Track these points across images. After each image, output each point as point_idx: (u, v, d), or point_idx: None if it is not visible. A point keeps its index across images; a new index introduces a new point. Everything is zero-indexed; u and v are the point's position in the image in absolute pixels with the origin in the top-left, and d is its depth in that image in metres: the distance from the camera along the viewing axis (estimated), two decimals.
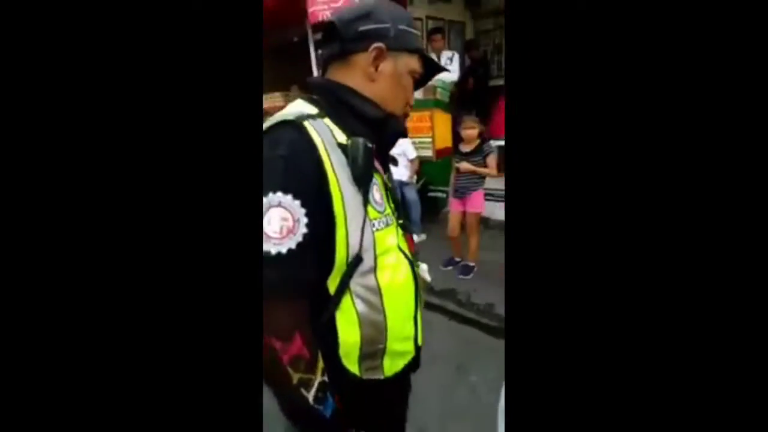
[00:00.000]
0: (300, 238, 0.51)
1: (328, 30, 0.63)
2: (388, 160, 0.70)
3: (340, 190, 0.54)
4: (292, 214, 0.51)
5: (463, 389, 1.84)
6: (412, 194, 3.22)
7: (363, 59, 0.61)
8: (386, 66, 0.62)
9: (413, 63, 0.65)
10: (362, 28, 0.60)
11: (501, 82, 4.14)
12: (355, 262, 0.56)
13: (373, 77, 0.61)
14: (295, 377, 0.53)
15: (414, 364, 0.69)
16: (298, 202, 0.51)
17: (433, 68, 0.69)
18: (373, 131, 0.61)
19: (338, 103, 0.61)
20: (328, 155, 0.54)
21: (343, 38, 0.61)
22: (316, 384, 0.55)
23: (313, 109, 0.60)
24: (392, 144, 0.69)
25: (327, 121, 0.58)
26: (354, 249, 0.55)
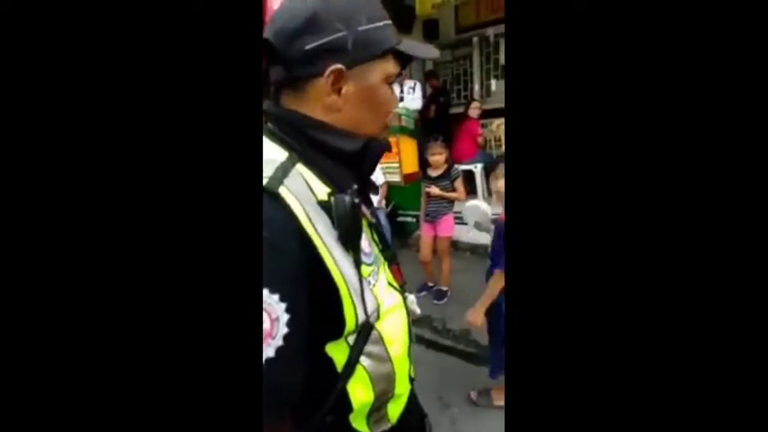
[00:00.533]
0: (280, 342, 0.42)
1: (266, 49, 0.49)
2: (370, 189, 0.60)
3: (333, 258, 0.46)
4: (269, 314, 0.42)
5: (445, 421, 1.78)
6: (382, 220, 3.21)
7: (319, 87, 0.49)
8: (351, 87, 0.49)
9: (388, 67, 0.51)
10: (309, 45, 0.47)
11: (460, 109, 4.31)
12: (366, 330, 0.50)
13: (336, 106, 0.50)
14: None
15: (412, 400, 0.63)
16: (276, 297, 0.42)
17: (408, 58, 0.55)
18: (354, 165, 0.53)
19: (307, 142, 0.50)
20: (311, 222, 0.45)
21: (286, 61, 0.49)
22: None
23: (281, 153, 0.49)
24: (374, 167, 0.59)
25: (300, 168, 0.48)
26: (360, 316, 0.48)
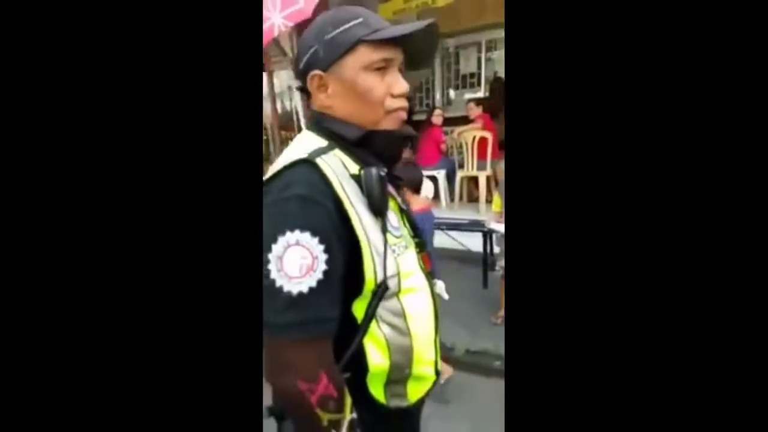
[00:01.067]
0: (320, 275, 0.51)
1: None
2: (397, 179, 0.67)
3: (360, 221, 0.54)
4: (311, 252, 0.51)
5: None
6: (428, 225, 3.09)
7: (313, 92, 0.61)
8: (333, 85, 0.58)
9: (363, 56, 0.56)
10: (301, 65, 0.61)
11: (422, 117, 4.41)
12: (382, 289, 0.57)
13: (328, 103, 0.60)
14: (325, 418, 0.52)
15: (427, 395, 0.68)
16: (316, 240, 0.51)
17: (406, 40, 0.58)
18: (370, 150, 0.60)
19: (329, 132, 0.61)
20: (344, 189, 0.54)
21: (301, 80, 0.62)
22: (346, 423, 0.54)
23: (322, 141, 0.60)
24: (396, 157, 0.65)
25: (337, 152, 0.59)
26: (380, 276, 0.56)
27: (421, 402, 0.66)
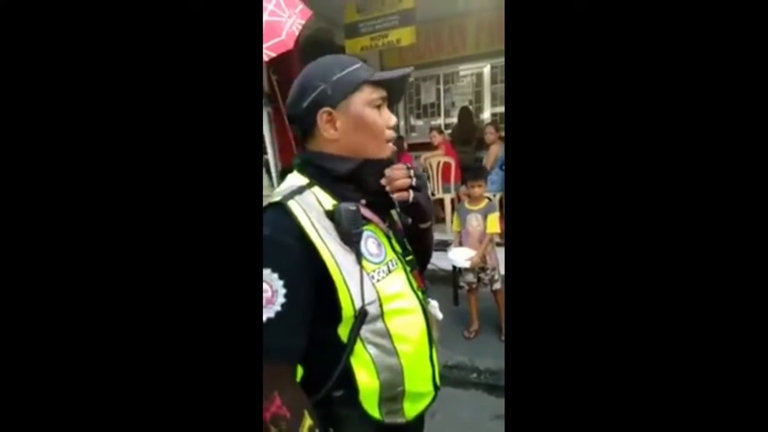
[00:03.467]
0: (278, 308, 0.57)
1: (288, 117, 0.71)
2: (384, 205, 0.71)
3: (331, 255, 0.60)
4: (270, 286, 0.57)
5: None
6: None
7: (320, 128, 0.65)
8: (341, 120, 0.65)
9: (366, 95, 0.65)
10: (305, 103, 0.65)
11: None
12: (361, 315, 0.61)
13: (335, 137, 0.65)
14: None
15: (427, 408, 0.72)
16: (275, 275, 0.57)
17: (391, 82, 0.68)
18: (355, 183, 0.66)
19: (317, 171, 0.67)
20: (314, 226, 0.60)
21: (297, 119, 0.68)
22: None
23: (304, 180, 0.67)
24: (377, 183, 0.70)
25: (316, 189, 0.65)
26: (357, 304, 0.60)
27: (420, 418, 0.70)
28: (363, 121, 0.65)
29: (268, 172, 3.56)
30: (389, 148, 0.69)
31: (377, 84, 0.66)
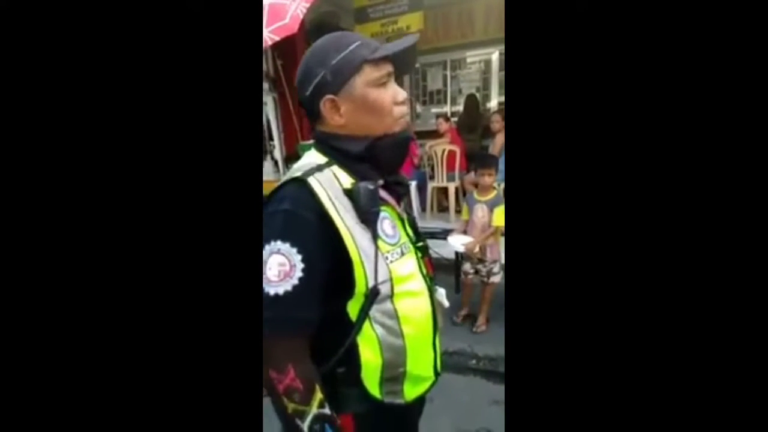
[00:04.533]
0: (296, 281, 0.58)
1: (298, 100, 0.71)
2: (399, 187, 0.72)
3: (349, 231, 0.60)
4: (288, 260, 0.58)
5: None
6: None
7: (325, 114, 0.65)
8: (345, 105, 0.64)
9: (367, 75, 0.63)
10: (308, 91, 0.65)
11: None
12: (373, 293, 0.62)
13: (341, 122, 0.65)
14: (290, 407, 0.58)
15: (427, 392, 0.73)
16: (294, 249, 0.58)
17: (395, 55, 0.65)
18: (370, 162, 0.66)
19: (333, 150, 0.67)
20: (333, 203, 0.60)
21: (304, 104, 0.68)
22: (311, 415, 0.59)
23: (323, 159, 0.67)
24: (398, 163, 0.71)
25: (335, 168, 0.65)
26: (371, 282, 0.61)
27: (419, 401, 0.71)
28: (367, 103, 0.64)
29: (273, 158, 3.56)
30: (401, 123, 0.67)
31: (381, 61, 0.64)
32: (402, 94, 0.67)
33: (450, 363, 2.19)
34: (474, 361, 2.20)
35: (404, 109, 0.68)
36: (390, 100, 0.65)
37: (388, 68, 0.65)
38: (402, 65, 0.68)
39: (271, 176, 3.28)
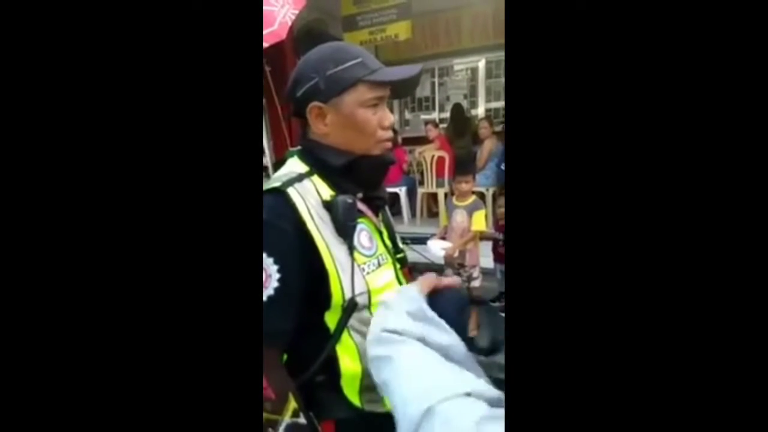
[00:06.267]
0: (271, 292, 0.58)
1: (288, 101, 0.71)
2: (378, 201, 0.72)
3: (326, 243, 0.60)
4: (264, 270, 0.58)
5: None
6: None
7: (311, 121, 0.65)
8: (331, 116, 0.64)
9: (360, 95, 0.63)
10: (298, 93, 0.65)
11: None
12: (350, 305, 0.62)
13: (325, 131, 0.65)
14: (263, 416, 0.58)
15: None
16: (271, 260, 0.58)
17: (394, 82, 0.64)
18: (349, 178, 0.66)
19: (315, 160, 0.67)
20: (311, 215, 0.61)
21: (294, 106, 0.67)
22: (283, 425, 0.59)
23: (304, 168, 0.67)
24: (377, 182, 0.71)
25: (315, 178, 0.66)
26: (347, 293, 0.61)
27: None
28: (353, 121, 0.64)
29: (262, 164, 3.54)
30: (382, 146, 0.67)
31: (378, 84, 0.63)
32: (389, 119, 0.67)
33: None
34: None
35: (389, 134, 0.67)
36: (376, 123, 0.65)
37: (382, 92, 0.64)
38: (401, 91, 0.69)
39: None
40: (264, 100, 3.49)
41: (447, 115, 4.96)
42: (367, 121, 0.64)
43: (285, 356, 0.66)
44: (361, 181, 0.67)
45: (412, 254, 3.16)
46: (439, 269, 2.89)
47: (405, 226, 3.88)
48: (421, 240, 3.12)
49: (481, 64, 4.95)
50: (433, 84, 5.25)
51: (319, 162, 0.66)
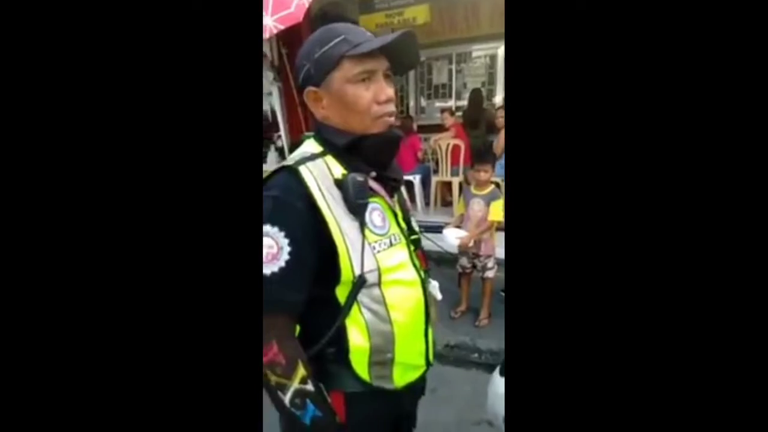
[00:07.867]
0: (282, 264, 0.60)
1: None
2: (391, 181, 0.72)
3: (336, 221, 0.61)
4: (276, 243, 0.60)
5: None
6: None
7: (310, 106, 0.68)
8: (326, 99, 0.65)
9: (346, 71, 0.63)
10: (299, 81, 0.68)
11: (397, 123, 4.58)
12: (360, 281, 0.63)
13: (324, 114, 0.67)
14: (273, 379, 0.61)
15: (421, 381, 0.75)
16: (282, 234, 0.60)
17: (388, 50, 0.63)
18: (356, 157, 0.66)
19: (325, 141, 0.69)
20: (322, 192, 0.62)
21: (300, 93, 0.70)
22: (291, 389, 0.61)
23: (318, 148, 0.68)
24: (386, 160, 0.71)
25: (328, 158, 0.67)
26: (357, 270, 0.62)
27: (410, 388, 0.72)
28: (344, 99, 0.64)
29: (278, 148, 3.54)
30: (381, 123, 0.65)
31: (364, 56, 0.62)
32: (386, 93, 0.65)
33: (452, 356, 2.20)
34: (476, 355, 2.20)
35: (386, 108, 0.65)
36: (369, 98, 0.63)
37: (370, 65, 0.63)
38: (398, 61, 0.66)
39: (275, 165, 3.26)
40: (281, 84, 3.48)
41: (463, 103, 4.87)
42: (359, 96, 0.63)
43: (298, 328, 0.67)
44: (369, 160, 0.67)
45: (425, 243, 3.15)
46: (452, 259, 2.88)
47: (419, 215, 3.86)
48: (435, 229, 3.10)
49: (500, 51, 4.82)
50: (450, 71, 5.15)
51: (328, 142, 0.68)
